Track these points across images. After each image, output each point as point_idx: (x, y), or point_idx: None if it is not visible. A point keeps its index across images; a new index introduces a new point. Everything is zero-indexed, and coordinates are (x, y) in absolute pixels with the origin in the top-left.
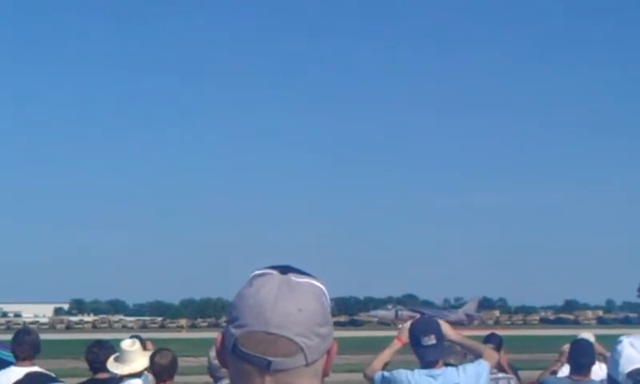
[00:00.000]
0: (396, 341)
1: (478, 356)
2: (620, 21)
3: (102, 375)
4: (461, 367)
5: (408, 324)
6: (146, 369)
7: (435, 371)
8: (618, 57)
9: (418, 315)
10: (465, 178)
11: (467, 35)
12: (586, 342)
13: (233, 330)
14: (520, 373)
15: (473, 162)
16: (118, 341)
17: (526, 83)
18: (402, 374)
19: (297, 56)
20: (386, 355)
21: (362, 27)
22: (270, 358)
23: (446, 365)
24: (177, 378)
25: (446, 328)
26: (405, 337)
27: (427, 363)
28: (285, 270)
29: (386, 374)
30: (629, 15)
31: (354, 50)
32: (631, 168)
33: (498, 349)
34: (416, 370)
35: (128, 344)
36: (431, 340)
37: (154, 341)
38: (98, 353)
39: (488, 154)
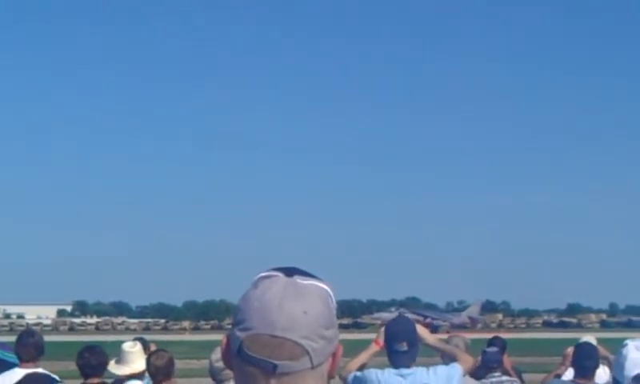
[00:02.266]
0: (373, 344)
1: (453, 360)
2: (615, 20)
3: (93, 380)
4: (432, 368)
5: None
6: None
7: (405, 371)
8: (617, 59)
9: (421, 318)
10: (468, 180)
11: (468, 38)
12: (589, 345)
13: (238, 333)
14: (524, 376)
15: (476, 163)
16: (121, 343)
17: (532, 84)
18: (372, 373)
19: (295, 55)
20: (362, 357)
21: (362, 26)
22: (276, 362)
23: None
24: (180, 381)
25: (422, 331)
26: (382, 340)
27: (397, 368)
28: (290, 271)
29: (358, 374)
30: (623, 15)
31: (353, 49)
32: (636, 170)
33: (501, 352)
34: (386, 370)
35: (129, 346)
36: (403, 347)
37: (157, 343)
38: (90, 358)
39: (492, 155)
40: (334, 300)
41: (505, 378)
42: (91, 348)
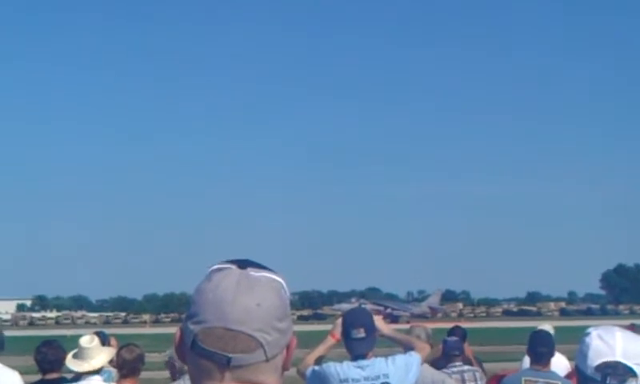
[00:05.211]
0: (329, 337)
1: (409, 349)
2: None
3: (51, 375)
4: (390, 358)
5: (341, 320)
6: (105, 365)
7: (364, 362)
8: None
9: (381, 309)
10: (428, 171)
11: (454, 32)
12: (544, 332)
13: (192, 326)
14: (484, 365)
15: (436, 155)
16: (81, 337)
17: (482, 70)
18: (330, 366)
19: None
20: (319, 351)
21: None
22: (230, 354)
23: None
24: (141, 373)
25: (377, 322)
26: (338, 333)
27: (355, 356)
28: (243, 264)
29: (316, 368)
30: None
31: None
32: (593, 163)
33: (462, 341)
34: (345, 362)
35: (86, 341)
36: (360, 333)
37: (117, 336)
38: (47, 352)
39: (452, 146)
40: (287, 292)
41: (466, 367)
42: (48, 343)
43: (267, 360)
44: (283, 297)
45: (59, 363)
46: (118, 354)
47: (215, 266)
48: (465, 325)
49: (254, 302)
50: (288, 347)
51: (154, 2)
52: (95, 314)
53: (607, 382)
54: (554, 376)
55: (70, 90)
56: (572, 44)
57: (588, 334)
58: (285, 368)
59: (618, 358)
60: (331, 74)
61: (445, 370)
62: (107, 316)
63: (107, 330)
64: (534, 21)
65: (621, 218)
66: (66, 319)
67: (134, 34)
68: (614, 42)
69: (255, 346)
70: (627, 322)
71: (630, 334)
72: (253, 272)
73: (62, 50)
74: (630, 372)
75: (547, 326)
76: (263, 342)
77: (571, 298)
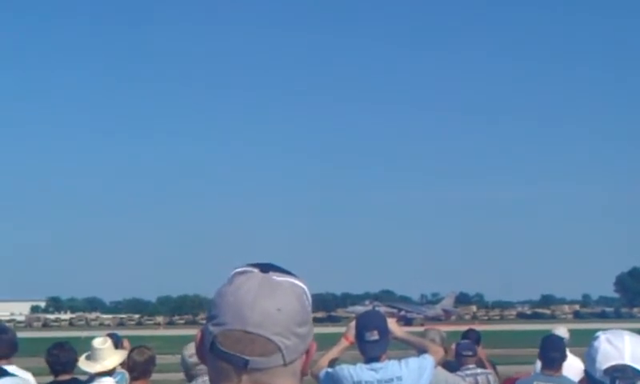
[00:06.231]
0: (343, 339)
1: (423, 352)
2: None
3: (63, 377)
4: (404, 360)
5: (354, 322)
6: (117, 366)
7: (377, 365)
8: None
9: (395, 311)
10: (441, 174)
11: (448, 34)
12: (555, 336)
13: (211, 328)
14: (497, 368)
15: (448, 157)
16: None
17: (497, 80)
18: (344, 369)
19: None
20: (332, 353)
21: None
22: (248, 357)
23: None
24: (154, 375)
25: (391, 324)
26: (351, 335)
27: (369, 359)
28: (266, 268)
29: (329, 370)
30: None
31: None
32: (607, 165)
33: (476, 344)
34: (358, 365)
35: (99, 342)
36: (374, 336)
37: (130, 338)
38: (59, 355)
39: (464, 149)
40: (309, 297)
41: (479, 370)
42: (60, 345)
43: (285, 364)
44: (304, 302)
45: (71, 365)
46: (129, 356)
47: (237, 269)
48: (479, 327)
49: (274, 306)
50: (307, 352)
51: (154, 2)
52: (109, 316)
53: None
54: (566, 381)
55: (70, 90)
56: (573, 44)
57: (597, 337)
58: (304, 373)
59: (627, 361)
60: (331, 73)
61: (458, 373)
62: (121, 318)
63: (121, 332)
64: (534, 21)
65: (636, 221)
66: (80, 321)
67: (134, 33)
68: (615, 42)
69: (273, 349)
70: None
71: (639, 338)
72: (275, 276)
73: (62, 50)
74: (639, 375)
75: (562, 329)
76: (282, 347)
77: (585, 301)
